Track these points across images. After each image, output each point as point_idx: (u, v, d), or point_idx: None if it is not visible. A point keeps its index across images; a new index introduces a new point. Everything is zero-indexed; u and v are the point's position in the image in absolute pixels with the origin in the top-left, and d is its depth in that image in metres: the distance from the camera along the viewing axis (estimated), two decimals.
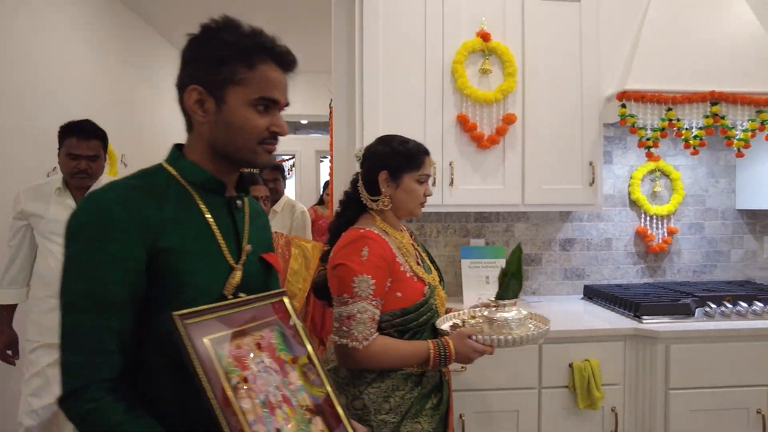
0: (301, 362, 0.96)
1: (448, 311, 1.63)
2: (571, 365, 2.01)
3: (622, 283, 2.69)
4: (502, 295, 1.47)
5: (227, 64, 0.92)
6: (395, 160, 1.50)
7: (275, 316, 0.98)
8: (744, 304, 2.16)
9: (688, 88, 2.24)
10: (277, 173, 3.05)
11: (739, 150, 2.31)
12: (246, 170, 1.26)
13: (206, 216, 0.94)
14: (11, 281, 2.19)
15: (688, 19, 2.40)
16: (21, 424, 2.06)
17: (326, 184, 4.56)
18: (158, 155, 1.00)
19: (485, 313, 1.47)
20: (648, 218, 2.70)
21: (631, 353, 2.07)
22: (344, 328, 1.37)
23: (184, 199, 0.94)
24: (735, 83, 2.25)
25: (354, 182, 1.59)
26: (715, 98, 2.22)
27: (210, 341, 0.83)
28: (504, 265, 1.51)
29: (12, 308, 2.23)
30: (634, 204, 2.71)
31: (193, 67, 0.94)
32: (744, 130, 2.28)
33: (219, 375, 0.81)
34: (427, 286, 1.50)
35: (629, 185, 2.70)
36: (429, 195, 1.56)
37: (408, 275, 1.47)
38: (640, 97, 2.22)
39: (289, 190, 7.31)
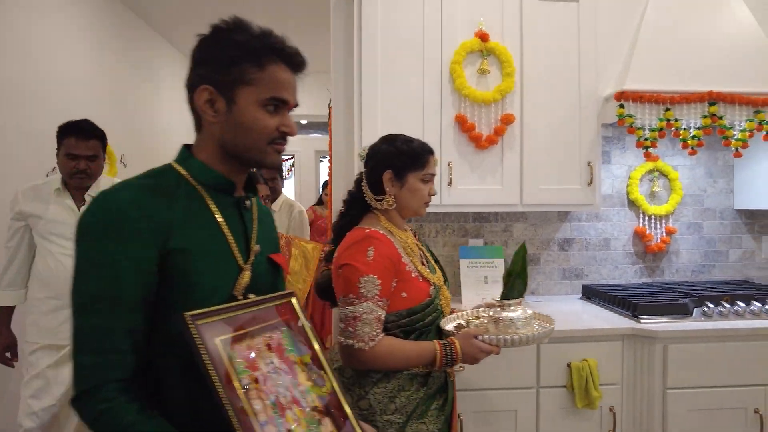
0: (304, 360, 0.96)
1: (452, 312, 1.62)
2: (569, 365, 2.01)
3: (621, 282, 2.70)
4: (507, 294, 1.46)
5: (238, 65, 0.93)
6: (399, 159, 1.49)
7: (284, 317, 0.98)
8: (742, 304, 2.16)
9: (686, 88, 2.25)
10: (275, 172, 3.04)
11: (737, 150, 2.31)
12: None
13: (216, 216, 0.95)
14: (9, 283, 2.17)
15: (686, 20, 2.41)
16: (21, 426, 2.05)
17: (325, 184, 4.56)
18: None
19: (490, 313, 1.47)
20: (646, 218, 2.70)
21: (629, 353, 2.07)
22: (350, 328, 1.36)
23: (194, 199, 0.94)
24: (733, 83, 2.26)
25: (358, 182, 1.58)
26: (713, 98, 2.22)
27: (221, 342, 0.83)
28: (506, 265, 1.50)
29: (10, 310, 2.22)
30: (632, 204, 2.71)
31: (204, 68, 0.95)
32: (742, 130, 2.28)
33: (231, 376, 0.81)
34: (433, 286, 1.49)
35: (628, 185, 2.70)
36: (433, 194, 1.56)
37: (413, 275, 1.46)
38: (638, 98, 2.23)
39: (289, 190, 7.31)
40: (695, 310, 2.15)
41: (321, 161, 7.44)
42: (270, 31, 0.96)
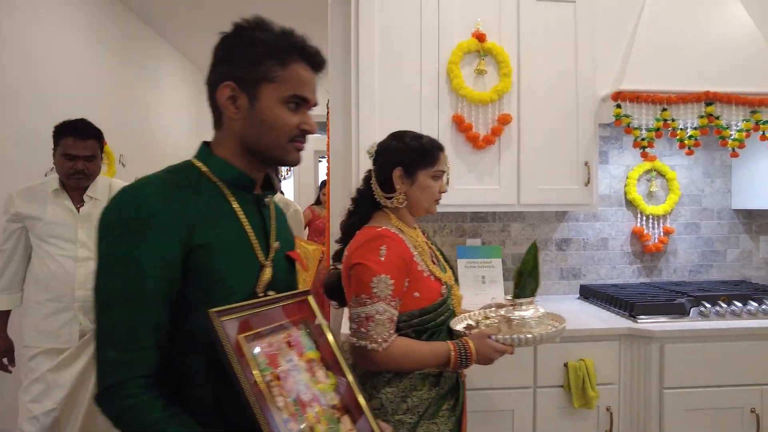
0: (322, 358, 0.97)
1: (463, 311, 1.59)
2: (566, 365, 2.02)
3: (618, 282, 2.70)
4: (519, 293, 1.43)
5: (261, 63, 0.93)
6: (409, 156, 1.46)
7: (302, 315, 0.99)
8: (739, 304, 2.16)
9: (683, 88, 2.25)
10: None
11: (733, 150, 2.31)
12: None
13: (239, 213, 0.95)
14: (6, 286, 2.12)
15: (683, 20, 2.41)
16: (21, 430, 2.01)
17: (323, 183, 4.56)
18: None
19: (502, 312, 1.44)
20: (644, 218, 2.70)
21: (626, 353, 2.07)
22: (362, 329, 1.33)
23: (216, 195, 0.95)
24: (729, 83, 2.26)
25: (367, 179, 1.54)
26: (709, 98, 2.22)
27: (244, 338, 0.83)
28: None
29: (6, 314, 2.17)
30: (630, 204, 2.71)
31: (227, 65, 0.95)
32: (739, 130, 2.29)
33: (254, 373, 0.81)
34: (444, 286, 1.47)
35: (625, 185, 2.70)
36: (444, 191, 1.53)
37: (425, 275, 1.44)
38: (635, 98, 2.23)
39: (288, 190, 7.31)
40: (692, 310, 2.15)
41: (320, 161, 7.44)
42: (292, 31, 0.98)
